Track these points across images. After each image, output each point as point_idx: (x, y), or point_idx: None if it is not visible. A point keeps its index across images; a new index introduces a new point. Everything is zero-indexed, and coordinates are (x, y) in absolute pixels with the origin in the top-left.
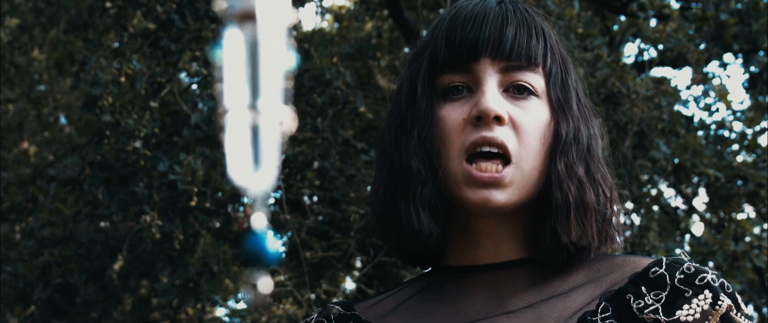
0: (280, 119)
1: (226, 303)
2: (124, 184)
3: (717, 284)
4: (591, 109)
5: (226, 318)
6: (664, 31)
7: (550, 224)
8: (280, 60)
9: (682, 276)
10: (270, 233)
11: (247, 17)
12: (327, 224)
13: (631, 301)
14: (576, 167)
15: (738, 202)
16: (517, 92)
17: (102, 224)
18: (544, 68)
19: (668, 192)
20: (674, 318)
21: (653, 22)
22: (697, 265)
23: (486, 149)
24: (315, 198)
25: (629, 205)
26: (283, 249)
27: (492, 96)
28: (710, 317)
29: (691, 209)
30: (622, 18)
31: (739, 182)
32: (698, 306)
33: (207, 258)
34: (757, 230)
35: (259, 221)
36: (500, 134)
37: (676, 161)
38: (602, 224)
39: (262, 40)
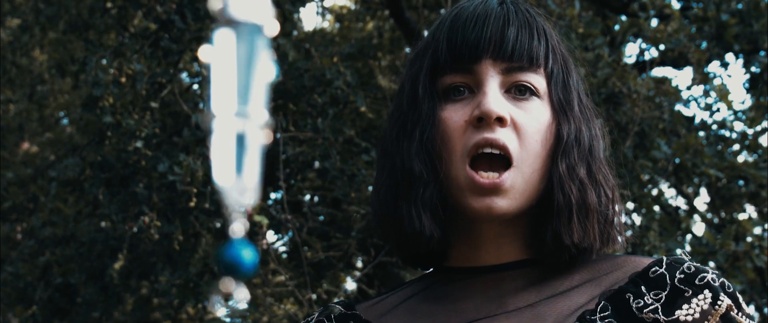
0: (262, 127)
1: (227, 303)
2: (125, 185)
3: (717, 283)
4: (592, 110)
5: (227, 319)
6: (665, 31)
7: (552, 226)
8: (264, 68)
9: (682, 276)
10: (256, 241)
11: (234, 23)
12: (328, 224)
13: (631, 300)
14: (578, 168)
15: (739, 202)
16: (518, 92)
17: (102, 224)
18: (546, 69)
19: (669, 192)
20: (673, 317)
21: (654, 22)
22: (698, 265)
23: (488, 150)
24: (316, 198)
25: (630, 205)
26: (261, 257)
27: (494, 97)
28: (710, 317)
29: (693, 210)
30: (623, 18)
31: (741, 183)
32: (698, 305)
33: (207, 259)
34: (757, 230)
35: (237, 229)
36: (502, 135)
37: (677, 161)
38: (604, 225)
39: (248, 46)
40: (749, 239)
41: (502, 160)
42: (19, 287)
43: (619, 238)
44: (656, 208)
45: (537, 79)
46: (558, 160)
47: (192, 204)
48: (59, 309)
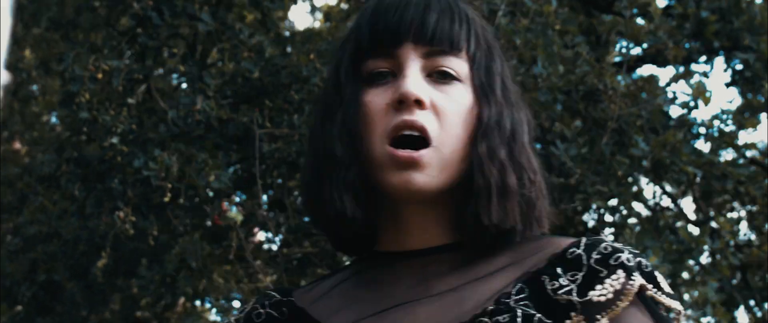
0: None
1: (218, 302)
2: (101, 180)
3: (632, 263)
4: (518, 96)
5: (218, 317)
6: (645, 28)
7: (472, 207)
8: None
9: (599, 256)
10: None
11: None
12: (307, 221)
13: (546, 283)
14: (498, 150)
15: (724, 199)
16: (440, 77)
17: (87, 221)
18: (468, 53)
19: (648, 190)
20: (587, 298)
21: (640, 21)
22: (616, 244)
23: (407, 132)
24: (297, 195)
25: (613, 202)
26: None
27: (413, 80)
28: (622, 297)
29: (681, 213)
30: (609, 17)
31: (721, 181)
32: (611, 286)
33: (185, 254)
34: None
35: None
36: (421, 117)
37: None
38: (526, 207)
39: None
40: (726, 237)
41: (422, 142)
42: (5, 285)
43: (545, 221)
44: (634, 205)
45: (458, 64)
46: (478, 142)
47: (166, 199)
48: (45, 307)
